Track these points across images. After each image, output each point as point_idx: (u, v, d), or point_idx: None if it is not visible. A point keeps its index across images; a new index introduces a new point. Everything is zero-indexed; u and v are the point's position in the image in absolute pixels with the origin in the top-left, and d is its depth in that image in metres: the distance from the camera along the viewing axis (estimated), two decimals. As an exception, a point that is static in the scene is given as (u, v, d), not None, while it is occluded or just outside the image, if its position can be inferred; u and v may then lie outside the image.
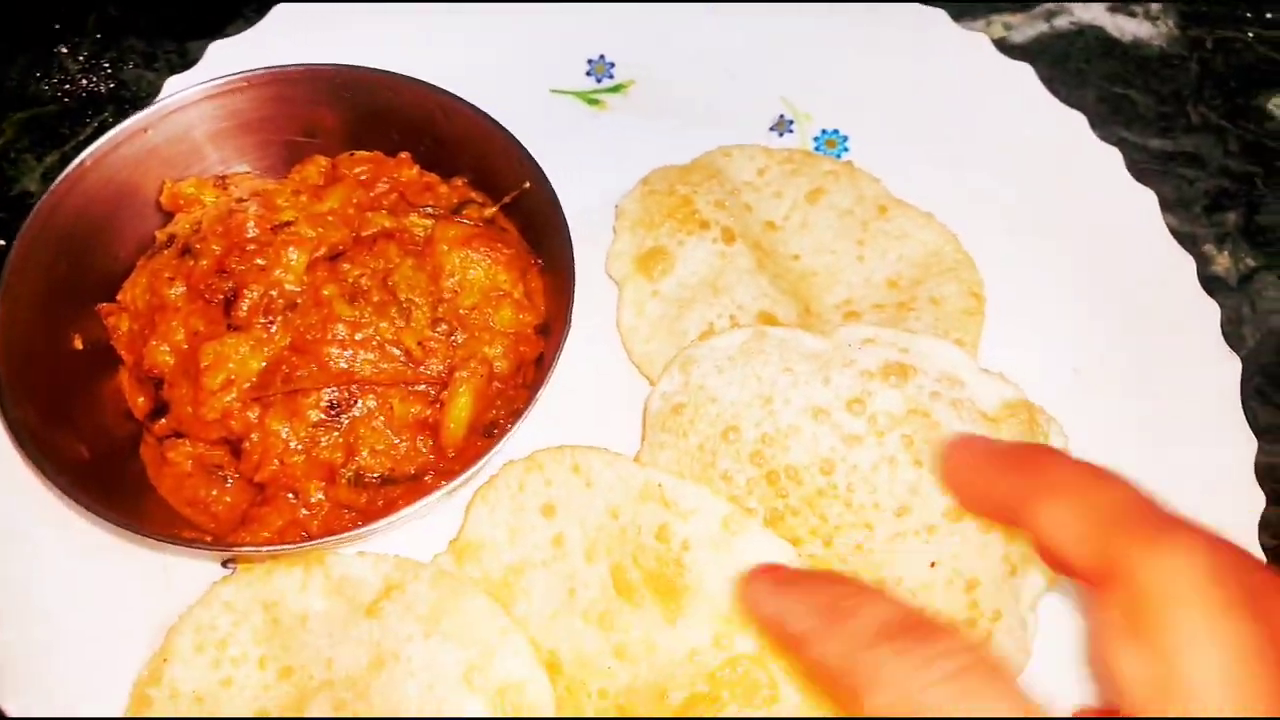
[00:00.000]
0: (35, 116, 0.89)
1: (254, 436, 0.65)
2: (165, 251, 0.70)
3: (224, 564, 0.69)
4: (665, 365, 0.71)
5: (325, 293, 0.66)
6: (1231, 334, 0.83)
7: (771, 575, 0.54)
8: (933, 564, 0.64)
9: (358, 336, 0.66)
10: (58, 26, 0.93)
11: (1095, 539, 0.44)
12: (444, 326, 0.68)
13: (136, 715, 0.61)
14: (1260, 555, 0.69)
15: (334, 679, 0.60)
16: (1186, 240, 0.83)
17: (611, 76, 0.90)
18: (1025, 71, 0.86)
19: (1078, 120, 0.84)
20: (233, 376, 0.65)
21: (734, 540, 0.62)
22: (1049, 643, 0.67)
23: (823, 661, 0.46)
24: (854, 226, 0.79)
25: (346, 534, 0.60)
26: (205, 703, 0.61)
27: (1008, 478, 0.51)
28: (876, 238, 0.78)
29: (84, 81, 0.91)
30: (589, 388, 0.74)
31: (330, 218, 0.69)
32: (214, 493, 0.66)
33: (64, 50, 0.92)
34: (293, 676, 0.61)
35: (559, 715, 0.60)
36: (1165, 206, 0.84)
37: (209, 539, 0.63)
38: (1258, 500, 0.70)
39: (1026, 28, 0.99)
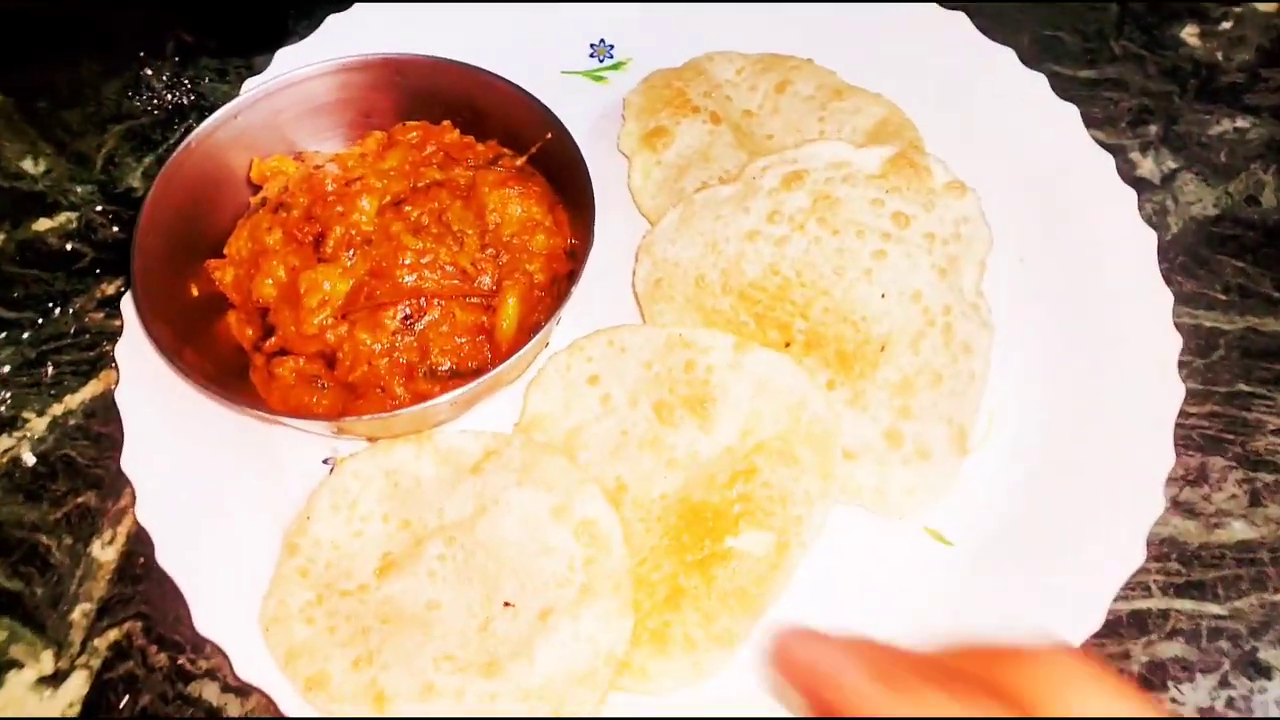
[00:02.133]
0: (131, 128, 1.06)
1: (345, 347, 0.80)
2: (261, 210, 0.86)
3: (325, 461, 0.84)
4: (636, 254, 0.88)
5: (393, 229, 0.82)
6: (1158, 223, 0.98)
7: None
8: (883, 295, 0.81)
9: (423, 261, 0.81)
10: (141, 54, 1.10)
11: None
12: (491, 250, 0.83)
13: (287, 560, 0.76)
14: (1180, 390, 0.82)
15: (445, 524, 0.75)
16: (1114, 150, 0.97)
17: (611, 57, 1.06)
18: (959, 17, 1.01)
19: (1007, 55, 0.99)
20: (326, 298, 0.80)
21: (743, 358, 0.80)
22: (1004, 314, 0.85)
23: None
24: (815, 108, 0.96)
25: (431, 401, 0.75)
26: (340, 548, 0.76)
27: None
28: (835, 114, 0.95)
29: (169, 96, 1.08)
30: (612, 293, 0.90)
31: (392, 172, 0.85)
32: (315, 398, 0.81)
33: (149, 72, 1.09)
34: (410, 526, 0.76)
35: (629, 522, 0.75)
36: (1094, 124, 0.99)
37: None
38: (1175, 343, 0.84)
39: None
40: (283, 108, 0.90)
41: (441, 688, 0.69)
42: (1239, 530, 0.83)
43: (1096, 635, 0.74)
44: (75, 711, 0.77)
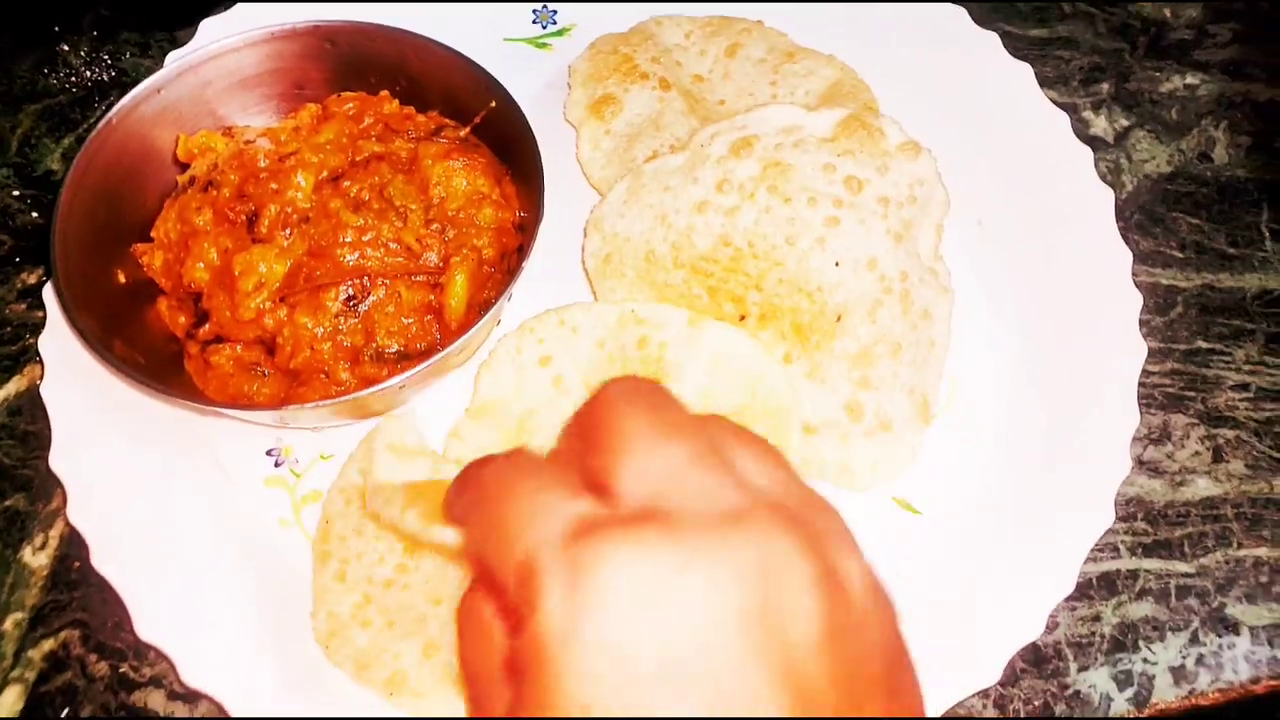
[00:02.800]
0: (48, 107, 1.00)
1: (285, 332, 0.76)
2: (190, 189, 0.81)
3: (268, 453, 0.80)
4: (584, 229, 0.85)
5: (332, 206, 0.78)
6: (1113, 181, 0.97)
7: None
8: (837, 264, 0.78)
9: (365, 238, 0.77)
10: (57, 28, 1.04)
11: None
12: (436, 226, 0.79)
13: (321, 570, 0.73)
14: (1142, 349, 0.81)
15: None
16: (1067, 109, 0.96)
17: (554, 23, 1.02)
18: (910, -25, 0.99)
19: (959, 14, 0.97)
20: (262, 280, 0.76)
21: (698, 333, 0.77)
22: (963, 277, 0.84)
23: None
24: (767, 71, 0.93)
25: (379, 385, 0.71)
26: (365, 536, 0.73)
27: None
28: (787, 78, 0.92)
29: (88, 73, 1.02)
30: (563, 268, 0.87)
31: (328, 146, 0.81)
32: (255, 386, 0.77)
33: (65, 48, 1.03)
34: None
35: None
36: (1046, 83, 0.97)
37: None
38: (1135, 301, 0.83)
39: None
40: (209, 80, 0.85)
41: None
42: (1203, 487, 0.83)
43: (1068, 598, 0.73)
44: (10, 727, 0.73)
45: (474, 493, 0.46)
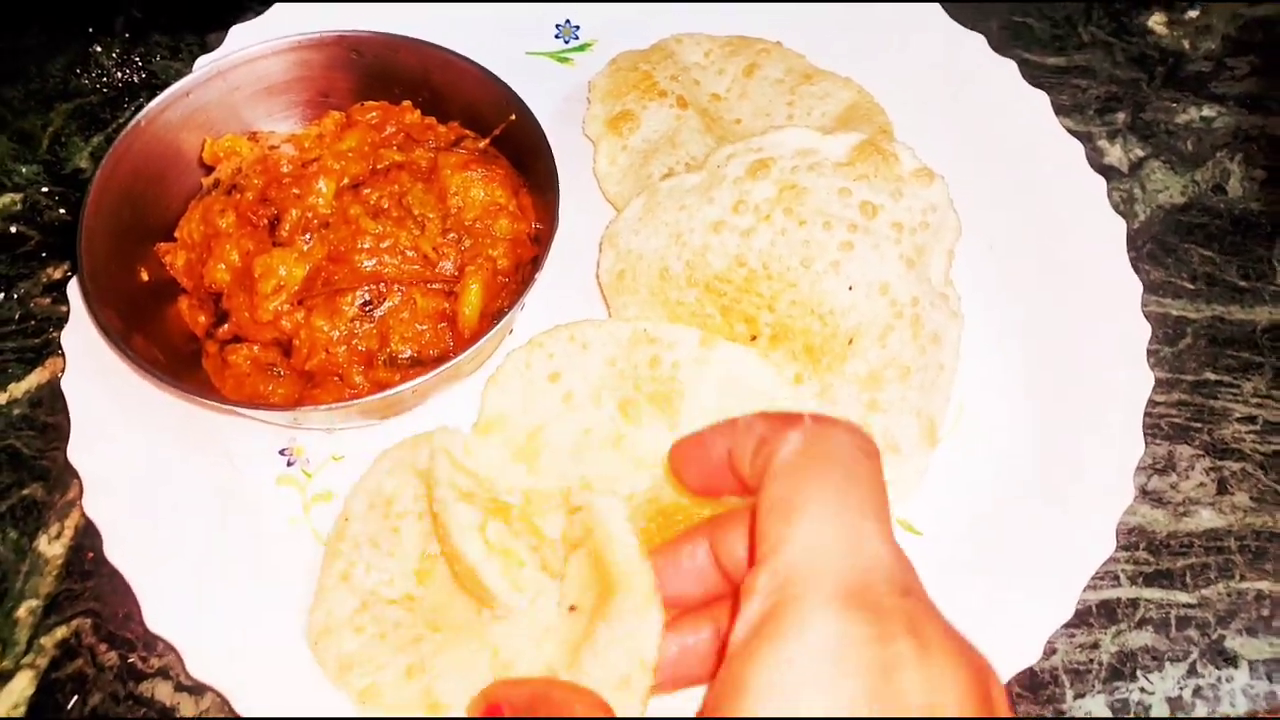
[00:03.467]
0: (79, 106, 1.02)
1: (302, 334, 0.78)
2: (214, 192, 0.83)
3: (281, 452, 0.81)
4: (600, 244, 0.86)
5: (352, 212, 0.79)
6: (1126, 211, 0.97)
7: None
8: (850, 288, 0.79)
9: (383, 245, 0.78)
10: (90, 30, 1.06)
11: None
12: (453, 235, 0.81)
13: (329, 566, 0.73)
14: (1149, 379, 0.82)
15: None
16: (1082, 137, 0.96)
17: (577, 38, 1.04)
18: (932, 6, 1.00)
19: (977, 40, 0.98)
20: (281, 283, 0.77)
21: (710, 353, 0.77)
22: (972, 302, 0.84)
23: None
24: (784, 92, 0.94)
25: (391, 390, 0.72)
26: (379, 547, 0.73)
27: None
28: (803, 99, 0.93)
29: (119, 74, 1.04)
30: (577, 282, 0.89)
31: (350, 154, 0.83)
32: (270, 386, 0.79)
33: (98, 49, 1.05)
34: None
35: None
36: (1062, 111, 0.98)
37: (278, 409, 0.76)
38: (1144, 331, 0.84)
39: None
40: (237, 86, 0.86)
41: None
42: (1207, 519, 0.83)
43: (1066, 625, 0.73)
44: (20, 713, 0.74)
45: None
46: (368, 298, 0.78)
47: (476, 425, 0.80)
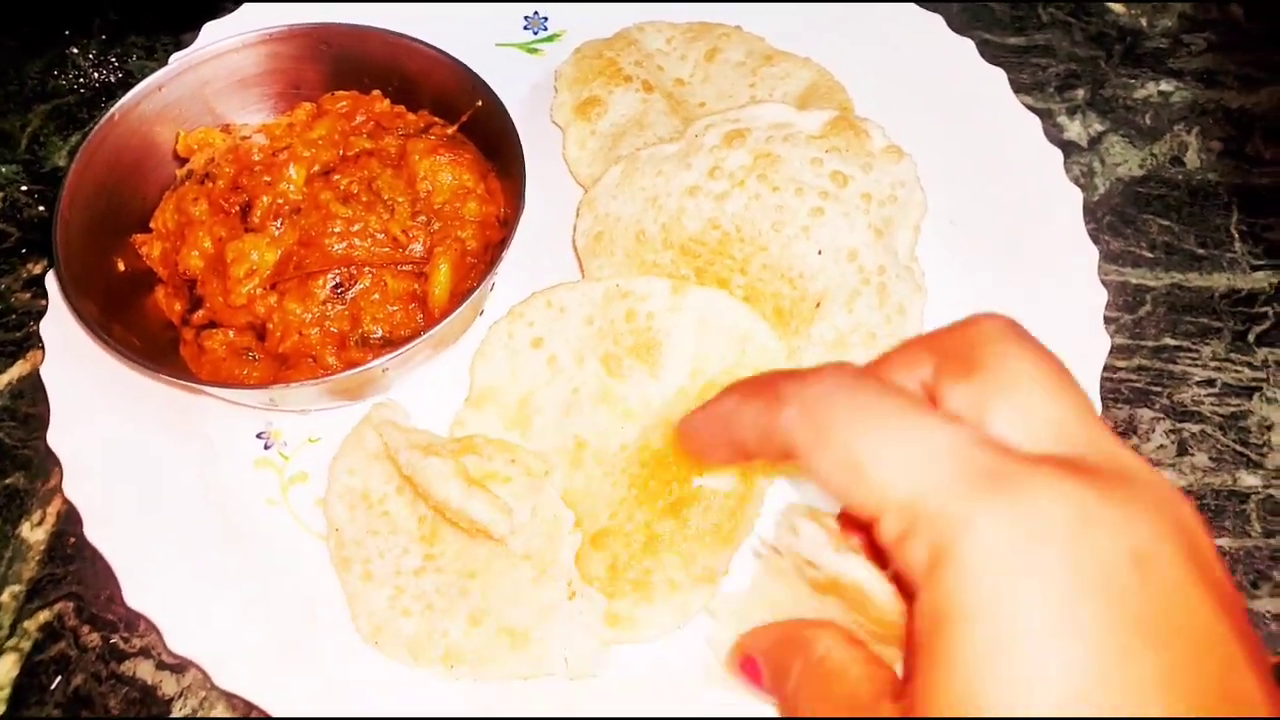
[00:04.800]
0: (57, 107, 1.04)
1: (275, 318, 0.79)
2: (188, 182, 0.84)
3: (258, 436, 0.83)
4: (577, 210, 0.88)
5: (322, 198, 0.81)
6: (1086, 184, 0.99)
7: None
8: (819, 251, 0.82)
9: (353, 229, 0.80)
10: (67, 32, 1.08)
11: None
12: (422, 218, 0.83)
13: (346, 575, 0.75)
14: (1106, 342, 0.84)
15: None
16: (1042, 114, 0.99)
17: (546, 29, 1.06)
18: (889, -14, 1.02)
19: (935, 20, 1.00)
20: (254, 268, 0.79)
21: (683, 300, 0.80)
22: (935, 276, 0.85)
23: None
24: (746, 74, 0.96)
25: (364, 366, 0.74)
26: (380, 535, 0.76)
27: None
28: (765, 80, 0.96)
29: (96, 75, 1.06)
30: (551, 264, 0.90)
31: (321, 141, 0.84)
32: (246, 370, 0.80)
33: (74, 50, 1.07)
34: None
35: (593, 477, 0.77)
36: (1022, 89, 1.00)
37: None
38: (1100, 297, 0.85)
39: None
40: (209, 79, 0.88)
41: (556, 601, 0.72)
42: (1168, 479, 0.84)
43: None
44: (4, 695, 0.76)
45: (811, 414, 0.41)
46: (339, 280, 0.80)
47: (468, 400, 0.82)
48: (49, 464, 0.83)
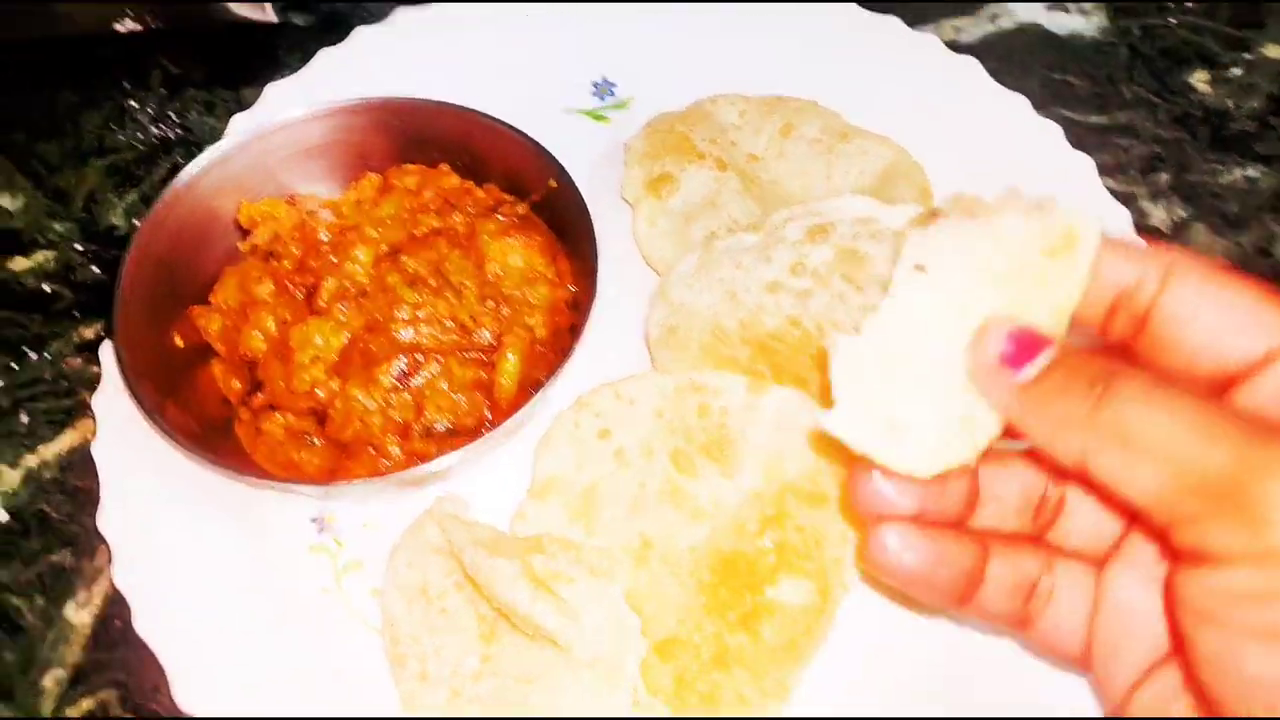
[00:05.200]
0: (114, 163, 1.02)
1: (337, 404, 0.77)
2: (251, 258, 0.82)
3: (313, 520, 0.80)
4: (650, 299, 0.85)
5: (389, 281, 0.78)
6: (1171, 276, 0.95)
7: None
8: None
9: (420, 314, 0.78)
10: (126, 85, 1.06)
11: None
12: (490, 303, 0.80)
13: (400, 672, 0.72)
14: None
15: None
16: (1125, 199, 0.95)
17: (614, 95, 1.03)
18: (969, 62, 0.99)
19: (1019, 101, 0.97)
20: (318, 354, 0.76)
21: (759, 399, 0.77)
22: None
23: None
24: (821, 151, 0.93)
25: (427, 466, 0.71)
26: (438, 633, 0.73)
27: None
28: (840, 158, 0.93)
29: (154, 130, 1.04)
30: (617, 345, 0.87)
31: (388, 220, 0.82)
32: (304, 455, 0.77)
33: (133, 104, 1.05)
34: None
35: (659, 579, 0.74)
36: (1105, 172, 0.96)
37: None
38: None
39: (974, 29, 1.13)
40: (274, 149, 0.86)
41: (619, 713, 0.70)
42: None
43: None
44: (45, 788, 0.73)
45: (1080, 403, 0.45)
46: (404, 367, 0.77)
47: (531, 490, 0.79)
48: (96, 542, 0.81)
